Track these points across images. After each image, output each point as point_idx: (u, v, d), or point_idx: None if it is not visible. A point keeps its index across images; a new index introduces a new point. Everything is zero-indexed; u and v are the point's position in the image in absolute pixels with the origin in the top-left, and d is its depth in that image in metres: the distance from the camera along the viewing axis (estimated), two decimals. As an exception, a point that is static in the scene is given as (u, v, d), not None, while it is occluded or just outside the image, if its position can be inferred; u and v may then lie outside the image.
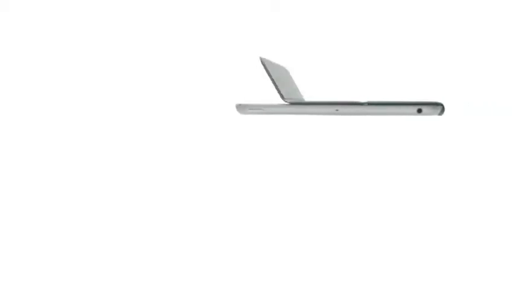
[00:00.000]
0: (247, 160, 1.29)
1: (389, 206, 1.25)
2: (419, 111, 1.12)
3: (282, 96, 1.16)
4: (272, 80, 1.15)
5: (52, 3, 1.36)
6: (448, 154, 1.25)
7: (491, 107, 1.24)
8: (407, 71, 1.30)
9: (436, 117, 1.14)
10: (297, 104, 1.17)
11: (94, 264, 1.29)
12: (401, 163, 1.25)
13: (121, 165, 1.32)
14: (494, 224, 1.23)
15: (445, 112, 1.13)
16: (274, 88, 1.17)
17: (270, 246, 1.27)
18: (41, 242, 1.32)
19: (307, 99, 1.24)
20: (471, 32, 1.28)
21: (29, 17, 1.36)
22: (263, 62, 1.16)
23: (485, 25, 1.28)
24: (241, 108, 1.20)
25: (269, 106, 1.18)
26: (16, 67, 1.36)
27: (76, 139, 1.34)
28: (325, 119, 1.22)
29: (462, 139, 1.25)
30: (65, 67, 1.35)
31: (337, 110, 1.14)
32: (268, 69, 1.16)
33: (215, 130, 1.31)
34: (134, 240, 1.30)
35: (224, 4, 1.33)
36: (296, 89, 1.24)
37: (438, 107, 1.12)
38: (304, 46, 1.33)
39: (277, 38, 1.33)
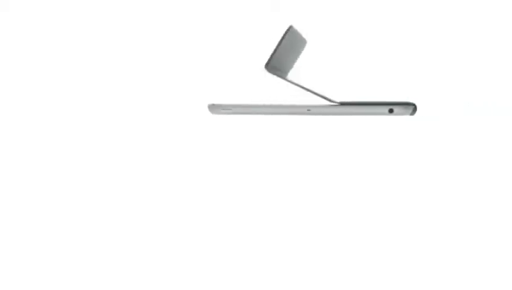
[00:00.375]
0: (221, 158, 1.29)
1: (373, 207, 1.25)
2: (391, 111, 1.12)
3: (267, 63, 1.15)
4: (277, 46, 1.15)
5: (52, 3, 1.36)
6: (426, 154, 1.25)
7: (490, 107, 1.24)
8: (410, 72, 1.30)
9: (408, 117, 1.15)
10: (269, 106, 1.16)
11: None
12: (376, 162, 1.25)
13: (90, 164, 1.32)
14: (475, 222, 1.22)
15: (417, 111, 1.14)
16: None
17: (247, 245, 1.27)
18: (36, 241, 1.32)
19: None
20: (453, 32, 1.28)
21: (29, 17, 1.36)
22: (289, 29, 1.15)
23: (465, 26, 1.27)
24: (214, 108, 1.19)
25: (241, 106, 1.18)
26: (15, 67, 1.36)
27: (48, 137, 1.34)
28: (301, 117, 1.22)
29: (438, 139, 1.25)
30: (63, 66, 1.36)
31: (309, 110, 1.13)
32: (285, 37, 1.15)
33: (208, 127, 1.31)
34: (96, 239, 1.30)
35: (224, 4, 1.33)
36: (287, 65, 1.23)
37: (409, 107, 1.13)
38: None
39: (277, 38, 1.32)
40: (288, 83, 1.16)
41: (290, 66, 1.24)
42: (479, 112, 1.24)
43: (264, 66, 1.15)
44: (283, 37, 1.15)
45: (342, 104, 1.14)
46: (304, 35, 1.23)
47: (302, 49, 1.26)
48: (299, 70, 1.31)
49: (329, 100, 1.14)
